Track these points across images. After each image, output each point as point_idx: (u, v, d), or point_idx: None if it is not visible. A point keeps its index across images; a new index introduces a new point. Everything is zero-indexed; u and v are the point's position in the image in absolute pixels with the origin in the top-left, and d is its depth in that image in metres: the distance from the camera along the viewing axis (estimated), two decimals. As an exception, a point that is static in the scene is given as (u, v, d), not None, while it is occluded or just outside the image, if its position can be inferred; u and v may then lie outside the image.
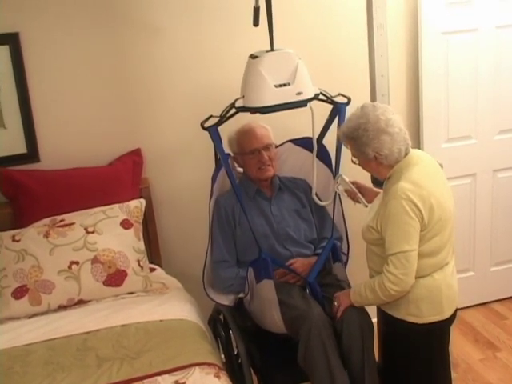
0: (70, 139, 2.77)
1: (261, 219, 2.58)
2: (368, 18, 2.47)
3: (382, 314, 2.30)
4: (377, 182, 2.43)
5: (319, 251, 2.60)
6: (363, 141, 2.09)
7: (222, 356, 2.59)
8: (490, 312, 3.48)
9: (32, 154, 2.73)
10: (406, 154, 2.13)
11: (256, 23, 2.30)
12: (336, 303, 2.31)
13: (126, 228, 2.59)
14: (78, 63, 2.72)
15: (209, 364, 2.02)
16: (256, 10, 2.29)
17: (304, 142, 2.71)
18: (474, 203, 3.37)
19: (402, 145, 2.10)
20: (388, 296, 2.12)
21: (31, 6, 2.60)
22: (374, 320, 2.37)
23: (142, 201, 2.72)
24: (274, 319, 2.34)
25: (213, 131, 2.35)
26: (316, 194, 2.63)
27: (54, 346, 2.18)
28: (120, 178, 2.74)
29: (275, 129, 2.66)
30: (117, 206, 2.63)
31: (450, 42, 3.09)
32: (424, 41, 3.04)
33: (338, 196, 2.55)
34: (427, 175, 2.13)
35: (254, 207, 2.59)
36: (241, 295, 2.53)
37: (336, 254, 2.58)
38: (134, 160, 2.80)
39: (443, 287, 2.15)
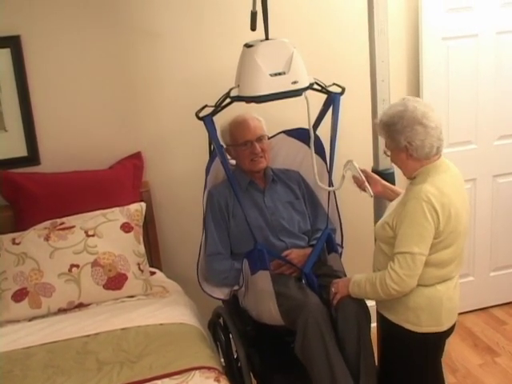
0: (71, 142, 2.77)
1: (254, 211, 2.56)
2: (369, 23, 2.47)
3: (380, 317, 2.29)
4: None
5: (313, 242, 2.58)
6: (397, 128, 2.06)
7: (222, 360, 2.59)
8: (490, 317, 3.48)
9: (32, 157, 2.74)
10: (437, 155, 2.10)
11: (253, 28, 2.30)
12: (333, 289, 2.29)
13: (126, 231, 2.59)
14: (79, 66, 2.72)
15: (209, 368, 2.03)
16: (253, 15, 2.29)
17: (297, 133, 2.70)
18: (473, 208, 3.37)
19: (434, 141, 2.06)
20: (387, 294, 2.10)
21: (32, 9, 2.61)
22: (374, 324, 2.37)
23: (143, 204, 2.72)
24: (270, 311, 2.32)
25: (208, 121, 2.32)
26: (312, 184, 2.63)
27: (54, 350, 2.18)
28: (120, 182, 2.74)
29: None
30: (117, 209, 2.63)
31: (450, 48, 3.10)
32: (424, 46, 3.05)
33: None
34: (452, 185, 2.10)
35: (248, 199, 2.58)
36: (235, 288, 2.50)
37: (331, 244, 2.57)
38: (134, 163, 2.81)
39: (444, 299, 2.13)
